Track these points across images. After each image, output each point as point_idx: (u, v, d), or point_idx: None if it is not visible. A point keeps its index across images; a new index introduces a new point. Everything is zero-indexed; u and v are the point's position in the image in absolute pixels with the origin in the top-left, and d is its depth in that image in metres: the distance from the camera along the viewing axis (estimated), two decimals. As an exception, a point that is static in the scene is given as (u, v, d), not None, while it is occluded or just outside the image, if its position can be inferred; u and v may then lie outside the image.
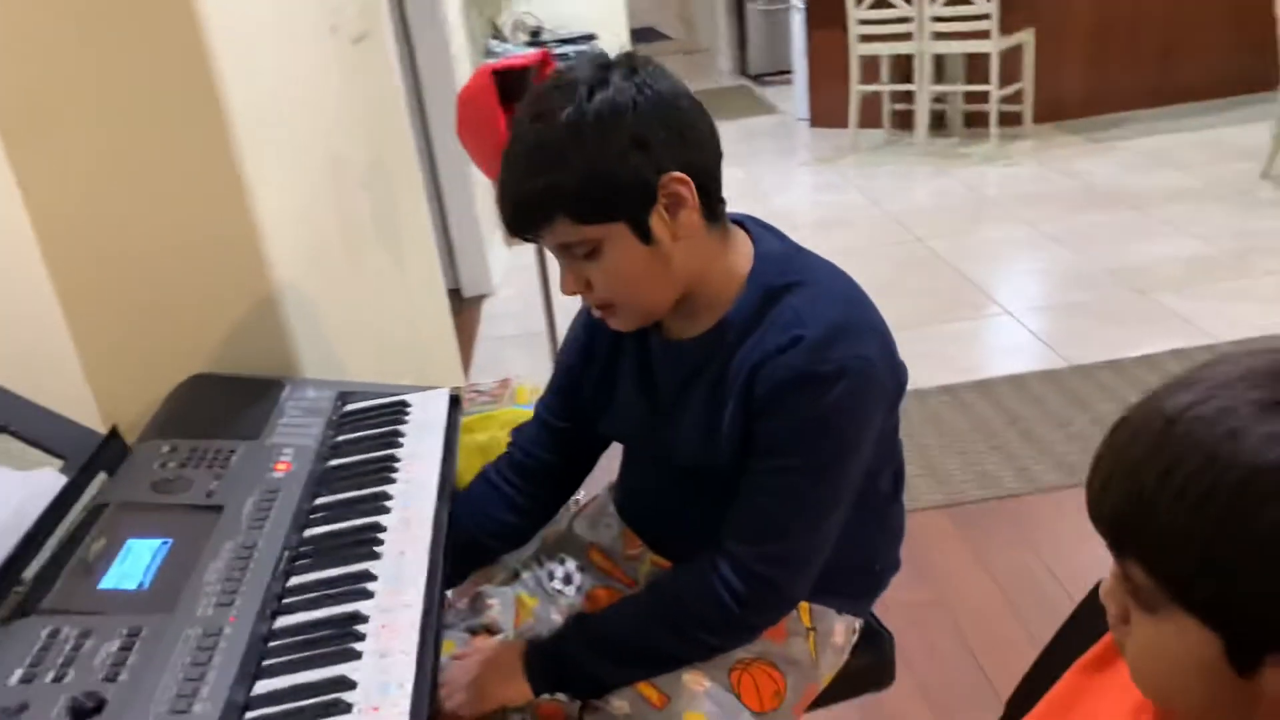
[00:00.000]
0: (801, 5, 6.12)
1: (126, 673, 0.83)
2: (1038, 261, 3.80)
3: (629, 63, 0.97)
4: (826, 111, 6.09)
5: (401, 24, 3.62)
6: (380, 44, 2.39)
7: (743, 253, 1.08)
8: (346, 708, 0.84)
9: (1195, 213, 4.03)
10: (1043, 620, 1.97)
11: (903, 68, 5.39)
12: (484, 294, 4.12)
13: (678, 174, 0.97)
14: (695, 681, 1.11)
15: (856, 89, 5.41)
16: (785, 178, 5.43)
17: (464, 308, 3.98)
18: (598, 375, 1.22)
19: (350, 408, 1.39)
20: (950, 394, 2.87)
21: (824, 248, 1.11)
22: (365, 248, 2.04)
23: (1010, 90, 5.13)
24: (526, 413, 2.45)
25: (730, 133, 6.65)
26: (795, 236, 1.13)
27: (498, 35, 4.83)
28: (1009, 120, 5.31)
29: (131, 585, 0.95)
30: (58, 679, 0.81)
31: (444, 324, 2.94)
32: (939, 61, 5.32)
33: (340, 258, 1.82)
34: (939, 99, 5.50)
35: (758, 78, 8.13)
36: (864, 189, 4.94)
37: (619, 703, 1.10)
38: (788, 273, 1.05)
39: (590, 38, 4.83)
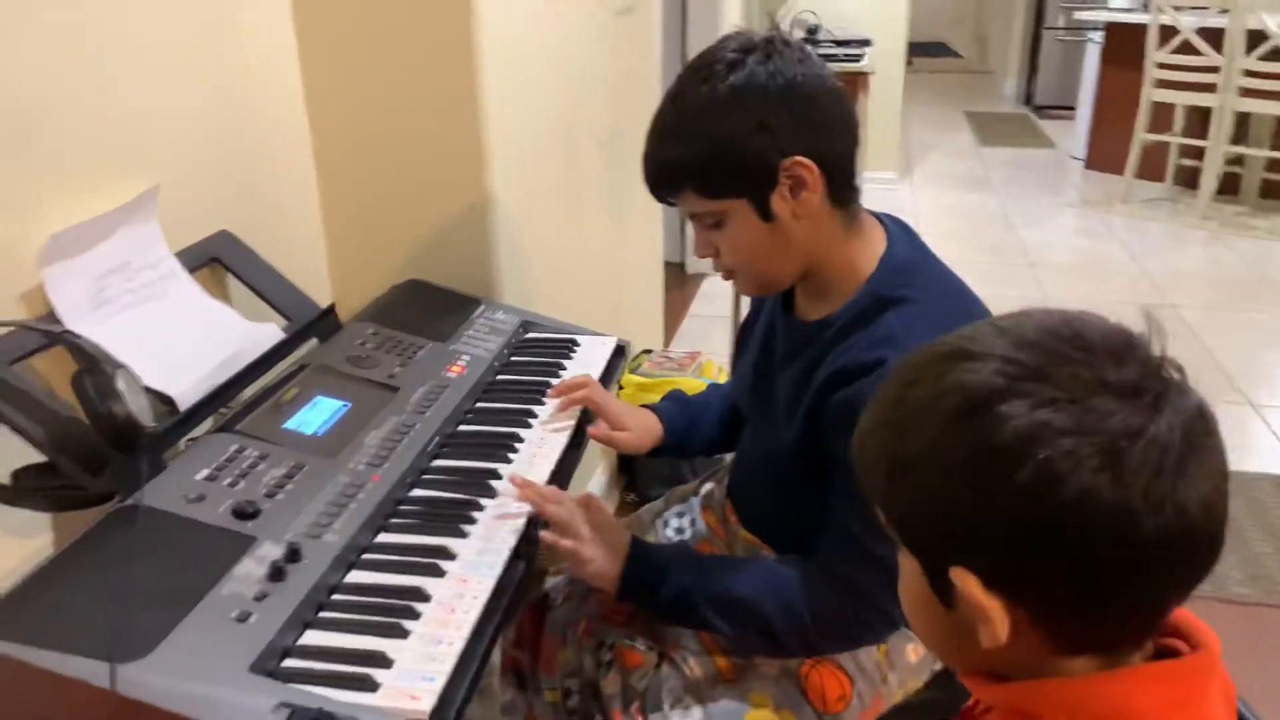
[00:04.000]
0: (1099, 40, 5.81)
1: (284, 495, 1.01)
2: (1301, 355, 3.48)
3: (768, 48, 1.01)
4: (1105, 155, 5.77)
5: (680, 1, 3.78)
6: (645, 19, 2.54)
7: (870, 249, 1.08)
8: (441, 572, 0.97)
9: None
10: None
11: (1198, 121, 4.99)
12: (706, 272, 4.24)
13: (801, 158, 1.01)
14: (766, 663, 1.14)
15: (1141, 136, 5.09)
16: (1042, 214, 5.19)
17: (685, 281, 4.12)
18: (743, 340, 1.30)
19: (529, 335, 1.54)
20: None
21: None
22: (589, 204, 2.19)
23: (1319, 165, 4.68)
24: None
25: (998, 160, 6.42)
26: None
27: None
28: (1311, 197, 4.85)
29: (309, 431, 1.13)
30: (232, 485, 1.00)
31: (654, 293, 3.08)
32: (1241, 120, 4.90)
33: (559, 206, 1.97)
34: (1235, 160, 5.07)
35: (1041, 109, 7.78)
36: (1127, 242, 4.66)
37: (695, 663, 1.15)
38: (901, 285, 1.05)
39: (865, 43, 4.80)
